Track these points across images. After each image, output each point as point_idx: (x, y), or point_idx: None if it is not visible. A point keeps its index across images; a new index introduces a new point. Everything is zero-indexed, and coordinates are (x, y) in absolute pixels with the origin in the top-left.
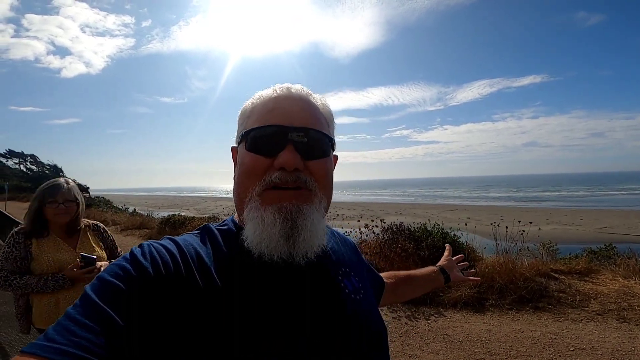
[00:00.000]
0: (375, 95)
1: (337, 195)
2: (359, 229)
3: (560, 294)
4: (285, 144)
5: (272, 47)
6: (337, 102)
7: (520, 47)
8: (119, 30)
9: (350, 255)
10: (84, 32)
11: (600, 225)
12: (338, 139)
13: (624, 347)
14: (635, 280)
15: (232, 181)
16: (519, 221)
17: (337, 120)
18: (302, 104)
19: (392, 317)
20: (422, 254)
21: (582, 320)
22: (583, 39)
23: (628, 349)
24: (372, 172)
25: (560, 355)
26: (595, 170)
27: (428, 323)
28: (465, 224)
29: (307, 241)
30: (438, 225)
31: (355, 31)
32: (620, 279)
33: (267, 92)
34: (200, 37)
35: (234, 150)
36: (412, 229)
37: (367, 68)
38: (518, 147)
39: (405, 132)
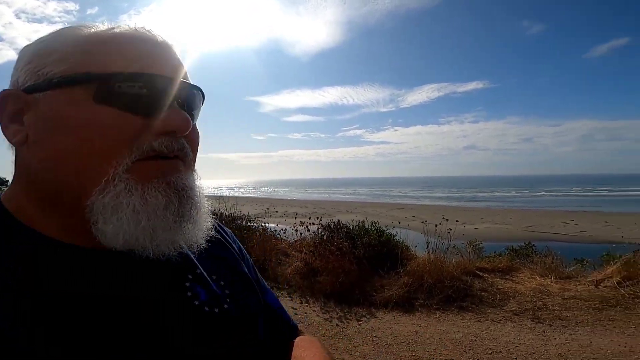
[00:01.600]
0: (331, 95)
1: (290, 193)
2: (294, 227)
3: (483, 293)
4: (171, 101)
5: (232, 41)
6: (294, 99)
7: (468, 54)
8: (59, 17)
9: (222, 253)
10: (19, 18)
11: (527, 224)
12: (293, 136)
13: (537, 350)
14: (550, 278)
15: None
16: (457, 220)
17: (293, 118)
18: (174, 54)
19: (324, 319)
20: (357, 253)
21: (500, 320)
22: (524, 47)
23: (541, 352)
24: (326, 170)
25: (478, 359)
26: (525, 173)
27: (359, 324)
28: (407, 224)
29: (199, 226)
30: (375, 223)
31: (317, 30)
32: (537, 277)
33: (124, 29)
34: (152, 28)
35: (15, 97)
36: (350, 227)
37: (325, 67)
38: (460, 149)
39: (358, 131)
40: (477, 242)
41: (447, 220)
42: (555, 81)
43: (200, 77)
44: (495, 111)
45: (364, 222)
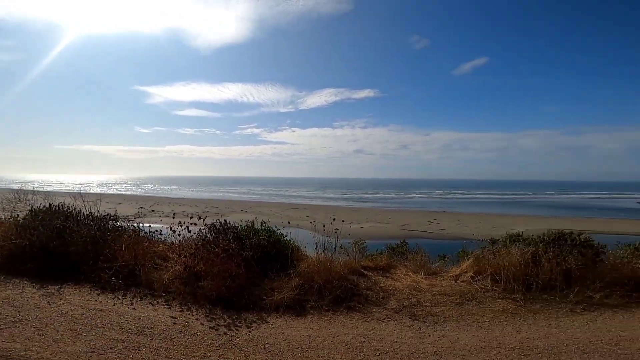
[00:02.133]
0: (231, 91)
1: (179, 191)
2: (170, 228)
3: (368, 292)
4: None
5: (129, 26)
6: (188, 93)
7: (366, 63)
8: None
9: None
10: None
11: (402, 223)
12: (184, 131)
13: (416, 349)
14: (421, 274)
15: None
16: (343, 221)
17: (186, 112)
18: None
19: (210, 327)
20: (246, 254)
21: (384, 319)
22: (411, 60)
23: (420, 351)
24: (220, 168)
25: None
26: (402, 177)
27: (249, 331)
28: (298, 224)
29: None
30: (265, 223)
31: (225, 24)
32: (410, 273)
33: None
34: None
35: None
36: (239, 228)
37: (228, 63)
38: (350, 153)
39: (256, 130)
40: (361, 242)
41: (334, 220)
42: (429, 94)
43: (80, 60)
44: (381, 119)
45: (253, 222)
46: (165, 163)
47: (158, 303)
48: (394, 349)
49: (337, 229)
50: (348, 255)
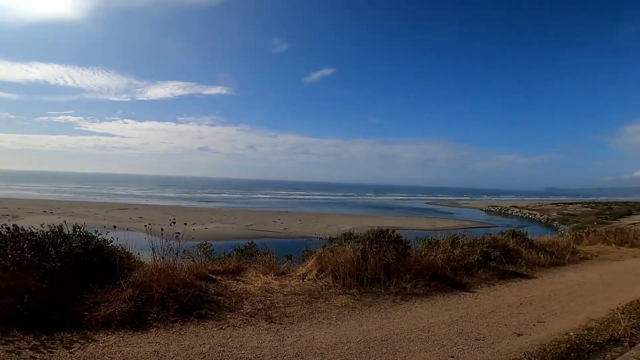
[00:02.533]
0: (41, 72)
1: None
2: None
3: (219, 298)
4: None
5: None
6: None
7: (224, 58)
8: None
9: None
10: None
11: (248, 223)
12: None
13: (278, 352)
14: (271, 275)
15: None
16: (185, 224)
17: None
18: None
19: (8, 351)
20: (51, 266)
21: (240, 325)
22: (269, 62)
23: (282, 354)
24: (13, 160)
25: None
26: (248, 177)
27: (71, 353)
28: (128, 227)
29: None
30: (79, 227)
31: None
32: (261, 275)
33: None
34: None
35: None
36: (38, 234)
37: (45, 39)
38: (194, 150)
39: (73, 118)
40: (208, 244)
41: (174, 222)
42: (281, 97)
43: None
44: (232, 117)
45: (61, 225)
46: None
47: None
48: (255, 355)
49: (179, 232)
50: (193, 260)
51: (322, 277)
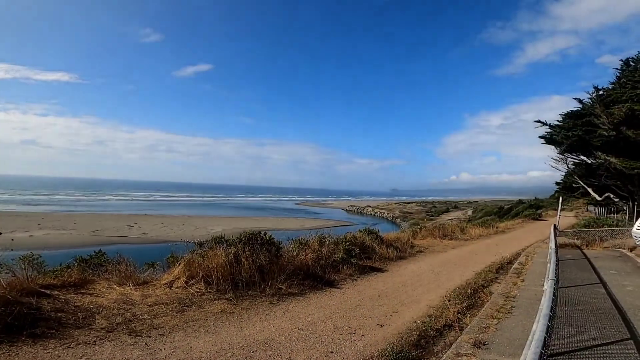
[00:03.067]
0: None
1: None
2: None
3: (60, 314)
4: None
5: None
6: None
7: (70, 42)
8: None
9: None
10: None
11: (94, 229)
12: None
13: None
14: (129, 286)
15: None
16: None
17: None
18: None
19: None
20: None
21: (94, 341)
22: (134, 51)
23: None
24: None
25: None
26: (93, 176)
27: None
28: None
29: None
30: None
31: None
32: (115, 286)
33: None
34: None
35: None
36: None
37: None
38: (15, 144)
39: None
40: (34, 255)
41: None
42: (143, 90)
43: None
44: (73, 107)
45: None
46: None
47: None
48: None
49: None
50: (15, 274)
51: (192, 284)
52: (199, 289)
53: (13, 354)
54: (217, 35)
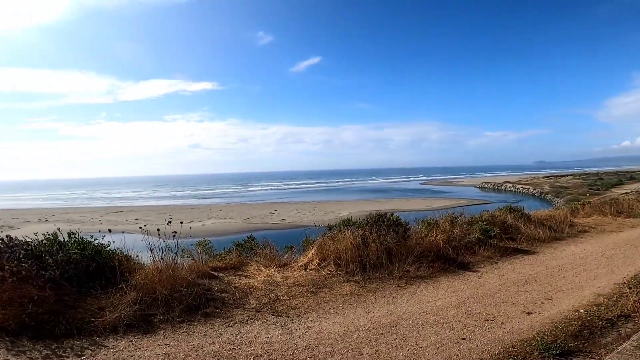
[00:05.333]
0: (17, 78)
1: None
2: None
3: (223, 294)
4: None
5: None
6: None
7: (205, 55)
8: None
9: None
10: None
11: (245, 217)
12: None
13: (289, 346)
14: (273, 268)
15: None
16: (181, 222)
17: None
18: None
19: None
20: (50, 274)
21: (247, 320)
22: (254, 55)
23: (292, 347)
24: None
25: None
26: (241, 170)
27: None
28: (125, 229)
29: None
30: (74, 233)
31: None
32: (263, 268)
33: None
34: None
35: None
36: (33, 243)
37: (23, 46)
38: (185, 148)
39: (55, 124)
40: (206, 241)
41: (171, 222)
42: (268, 89)
43: None
44: (219, 112)
45: (55, 233)
46: None
47: None
48: (266, 351)
49: (175, 231)
50: (193, 258)
51: (324, 266)
52: (330, 271)
53: (190, 333)
54: (322, 27)
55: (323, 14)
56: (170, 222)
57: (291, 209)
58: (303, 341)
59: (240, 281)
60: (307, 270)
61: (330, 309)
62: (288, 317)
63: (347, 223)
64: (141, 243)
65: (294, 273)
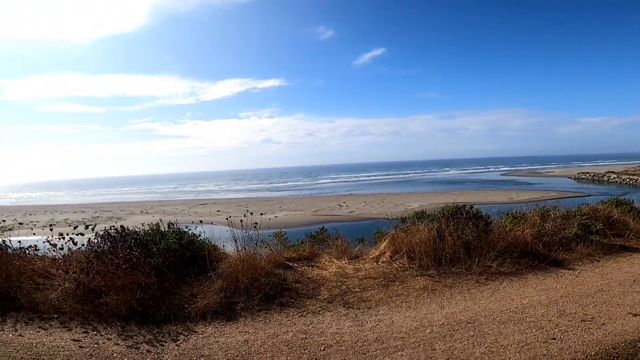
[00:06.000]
0: (117, 83)
1: (58, 198)
2: (48, 241)
3: (297, 285)
4: None
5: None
6: (60, 86)
7: (271, 52)
8: None
9: None
10: None
11: (314, 209)
12: (54, 129)
13: (359, 338)
14: (344, 260)
15: None
16: (261, 214)
17: (57, 108)
18: None
19: (128, 346)
20: (155, 262)
21: (319, 311)
22: (316, 50)
23: (362, 339)
24: (107, 168)
25: (315, 359)
26: (309, 164)
27: (177, 345)
28: (211, 220)
29: None
30: (173, 224)
31: (111, 11)
32: (334, 260)
33: None
34: None
35: None
36: (141, 232)
37: (113, 52)
38: (257, 143)
39: (151, 125)
40: (282, 232)
41: (251, 212)
42: (332, 83)
43: None
44: (287, 108)
45: (157, 224)
46: (33, 165)
47: (51, 326)
48: (337, 341)
49: (257, 223)
50: (270, 249)
51: (396, 259)
52: (402, 264)
53: (267, 321)
54: (384, 17)
55: (384, 4)
56: (251, 213)
57: (359, 201)
58: (373, 334)
59: (313, 272)
60: (379, 262)
61: (402, 302)
62: (359, 309)
63: (420, 215)
64: (224, 233)
65: (365, 265)
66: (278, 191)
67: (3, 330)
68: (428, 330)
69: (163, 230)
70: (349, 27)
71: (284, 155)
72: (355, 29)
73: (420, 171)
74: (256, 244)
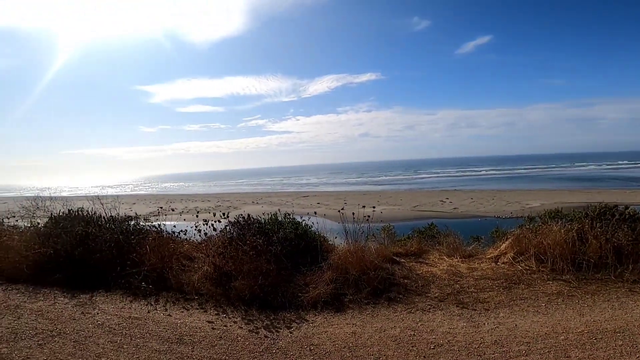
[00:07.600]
0: (232, 84)
1: (189, 188)
2: (195, 226)
3: (406, 281)
4: None
5: (119, 28)
6: (190, 89)
7: (365, 46)
8: None
9: None
10: None
11: (414, 204)
12: (189, 128)
13: (474, 339)
14: (456, 258)
15: None
16: (364, 206)
17: (189, 109)
18: None
19: (249, 330)
20: (274, 250)
21: (429, 309)
22: (412, 42)
23: (478, 341)
24: (227, 162)
25: (424, 357)
26: (409, 157)
27: (290, 332)
28: (314, 212)
29: None
30: (289, 215)
31: (218, 17)
32: (445, 257)
33: None
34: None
35: None
36: (262, 221)
37: (226, 56)
38: (355, 137)
39: (260, 122)
40: (390, 227)
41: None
42: (431, 74)
43: (80, 65)
44: (385, 101)
45: (276, 214)
46: (173, 161)
47: (192, 307)
48: (448, 341)
49: (369, 216)
50: (378, 243)
51: (520, 261)
52: (529, 266)
53: (374, 315)
54: (487, 3)
55: None
56: (362, 206)
57: (465, 197)
58: (491, 336)
59: (421, 268)
60: (498, 263)
61: (528, 306)
62: (475, 310)
63: (555, 215)
64: (327, 225)
65: (482, 265)
66: (377, 185)
67: (156, 309)
68: (562, 337)
69: (280, 220)
70: (446, 16)
71: (383, 149)
72: (453, 18)
73: (543, 166)
74: (366, 237)
